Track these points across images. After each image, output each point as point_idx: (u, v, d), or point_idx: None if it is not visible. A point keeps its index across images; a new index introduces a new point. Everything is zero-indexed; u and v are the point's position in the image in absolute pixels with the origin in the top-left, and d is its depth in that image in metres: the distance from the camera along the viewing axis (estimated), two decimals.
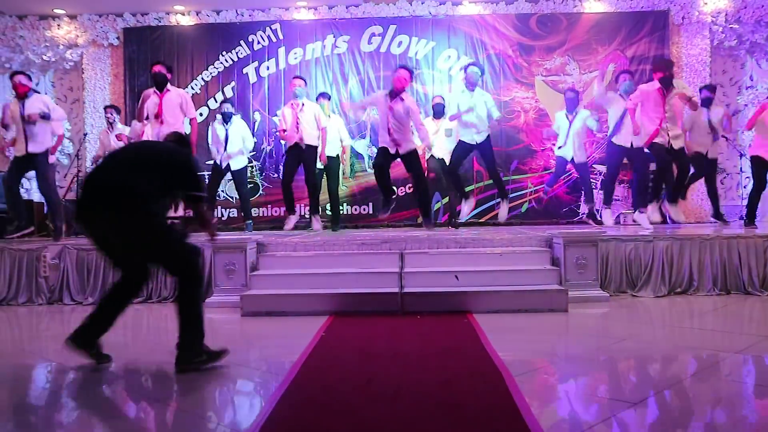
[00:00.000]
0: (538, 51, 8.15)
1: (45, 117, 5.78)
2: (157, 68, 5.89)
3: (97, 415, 2.45)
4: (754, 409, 2.36)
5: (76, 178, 7.33)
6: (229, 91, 8.32)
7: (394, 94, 5.71)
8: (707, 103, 6.64)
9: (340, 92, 8.26)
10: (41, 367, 3.29)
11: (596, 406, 2.38)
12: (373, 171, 6.12)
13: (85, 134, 8.16)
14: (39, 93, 6.16)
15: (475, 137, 6.16)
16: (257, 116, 8.27)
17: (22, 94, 5.76)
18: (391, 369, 2.86)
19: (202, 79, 8.36)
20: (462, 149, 6.28)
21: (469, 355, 3.11)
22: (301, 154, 6.38)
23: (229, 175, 7.00)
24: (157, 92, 5.84)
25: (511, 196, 8.04)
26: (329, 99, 7.21)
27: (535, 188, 8.09)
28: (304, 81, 6.63)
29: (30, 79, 6.00)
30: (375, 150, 8.13)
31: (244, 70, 8.34)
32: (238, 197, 7.30)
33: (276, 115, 8.29)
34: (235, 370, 3.06)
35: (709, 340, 3.56)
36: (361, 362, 3.01)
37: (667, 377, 2.82)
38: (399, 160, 5.91)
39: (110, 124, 6.78)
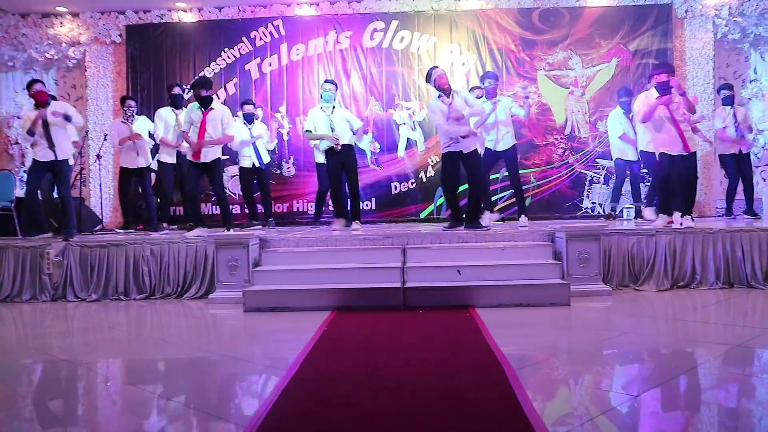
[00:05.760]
0: (541, 45, 8.12)
1: None
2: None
3: (101, 409, 2.47)
4: (756, 402, 2.35)
5: (79, 176, 7.34)
6: (231, 88, 8.34)
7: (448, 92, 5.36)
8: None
9: (343, 88, 8.25)
10: (45, 364, 3.31)
11: (598, 400, 2.38)
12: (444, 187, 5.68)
13: (86, 131, 8.16)
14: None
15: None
16: (259, 112, 8.25)
17: None
18: (394, 363, 2.87)
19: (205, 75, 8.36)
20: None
21: (471, 349, 3.11)
22: (343, 159, 5.98)
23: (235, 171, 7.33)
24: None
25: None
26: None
27: (538, 182, 8.07)
28: (335, 85, 6.25)
29: None
30: (378, 145, 8.17)
31: (247, 67, 8.34)
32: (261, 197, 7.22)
33: (278, 111, 8.30)
34: (238, 364, 3.08)
35: (711, 333, 3.56)
36: (364, 356, 3.02)
37: (670, 370, 2.82)
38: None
39: (129, 117, 6.63)
